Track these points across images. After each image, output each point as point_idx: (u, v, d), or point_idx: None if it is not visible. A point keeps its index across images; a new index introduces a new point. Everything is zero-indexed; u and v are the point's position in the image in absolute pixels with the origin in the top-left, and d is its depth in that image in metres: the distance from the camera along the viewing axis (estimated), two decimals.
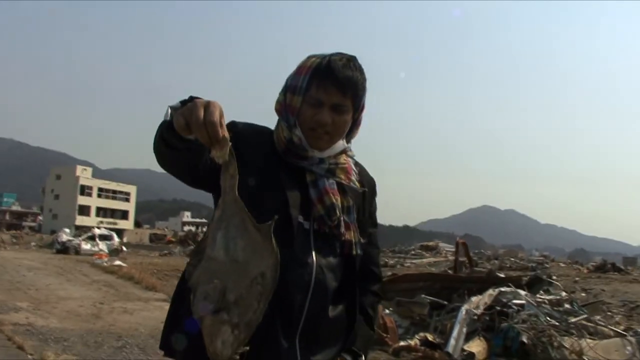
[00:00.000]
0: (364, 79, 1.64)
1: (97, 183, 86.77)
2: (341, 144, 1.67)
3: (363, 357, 1.70)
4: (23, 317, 9.64)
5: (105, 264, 24.12)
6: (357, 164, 1.79)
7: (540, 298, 9.99)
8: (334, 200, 1.61)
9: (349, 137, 1.72)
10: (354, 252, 1.65)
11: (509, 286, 10.02)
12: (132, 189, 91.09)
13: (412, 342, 8.51)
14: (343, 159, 1.70)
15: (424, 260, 50.73)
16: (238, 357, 1.12)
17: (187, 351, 1.50)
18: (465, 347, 7.96)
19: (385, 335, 8.81)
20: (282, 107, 1.65)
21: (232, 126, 1.63)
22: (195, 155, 1.29)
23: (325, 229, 1.60)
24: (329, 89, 1.57)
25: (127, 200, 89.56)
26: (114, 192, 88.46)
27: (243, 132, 1.62)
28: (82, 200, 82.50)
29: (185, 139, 1.25)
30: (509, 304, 9.17)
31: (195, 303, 1.14)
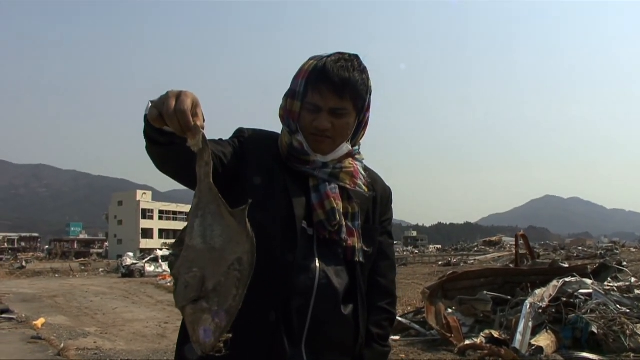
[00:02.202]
0: (365, 78, 1.58)
1: (157, 206, 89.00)
2: (345, 147, 1.62)
3: None
4: (91, 342, 9.93)
5: (168, 284, 24.64)
6: (367, 169, 1.72)
7: (609, 286, 9.62)
8: (335, 205, 1.55)
9: (355, 139, 1.66)
10: (356, 259, 1.59)
11: (573, 276, 9.69)
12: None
13: (477, 340, 8.33)
14: (348, 162, 1.64)
15: (488, 256, 49.93)
16: (222, 344, 1.09)
17: None
18: (533, 342, 7.74)
19: (449, 335, 8.65)
20: (284, 112, 1.62)
21: (239, 133, 1.62)
22: (183, 155, 1.24)
23: (326, 234, 1.55)
24: (324, 93, 1.52)
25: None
26: (174, 213, 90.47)
27: (249, 139, 1.60)
28: (145, 223, 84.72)
29: (164, 132, 1.24)
30: (576, 294, 8.87)
31: (177, 293, 1.13)
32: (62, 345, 8.74)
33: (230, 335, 1.09)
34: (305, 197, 1.56)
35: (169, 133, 1.22)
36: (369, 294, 1.66)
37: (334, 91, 1.52)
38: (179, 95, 1.15)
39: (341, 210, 1.57)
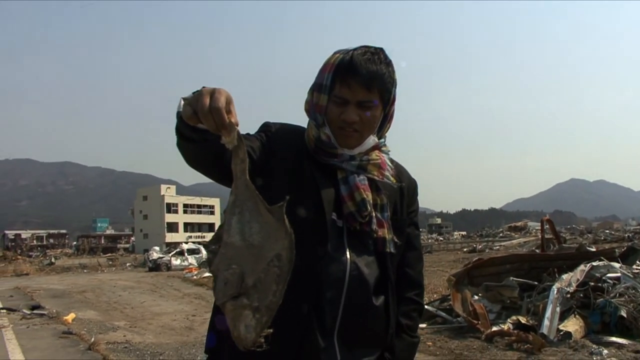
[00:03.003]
0: (392, 71, 1.58)
1: (181, 200, 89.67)
2: (372, 139, 1.62)
3: None
4: (121, 336, 10.07)
5: (195, 277, 24.89)
6: (392, 161, 1.72)
7: (637, 269, 9.48)
8: (365, 196, 1.56)
9: (381, 132, 1.66)
10: (387, 250, 1.60)
11: (601, 260, 9.58)
12: (215, 202, 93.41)
13: (504, 327, 8.30)
14: (375, 154, 1.64)
15: (513, 241, 49.58)
16: (262, 340, 1.11)
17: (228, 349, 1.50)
18: (561, 327, 7.71)
19: (476, 321, 8.62)
20: (310, 106, 1.62)
21: (266, 127, 1.62)
22: (214, 148, 1.26)
23: (356, 225, 1.56)
24: (353, 86, 1.52)
25: (212, 213, 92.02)
26: (199, 206, 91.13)
27: (276, 133, 1.60)
28: (170, 217, 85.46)
29: (197, 129, 1.24)
30: (603, 278, 8.78)
31: (216, 290, 1.14)
32: (93, 339, 8.88)
33: (271, 331, 1.11)
34: (333, 189, 1.56)
35: (202, 130, 1.23)
36: (398, 284, 1.67)
37: (361, 84, 1.52)
38: (213, 93, 1.15)
39: (371, 202, 1.57)
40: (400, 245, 1.65)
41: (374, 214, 1.57)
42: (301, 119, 1.72)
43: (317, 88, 1.58)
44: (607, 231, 54.32)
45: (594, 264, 9.34)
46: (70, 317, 12.11)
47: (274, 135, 1.58)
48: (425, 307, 10.03)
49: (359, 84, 1.51)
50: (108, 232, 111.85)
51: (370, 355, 1.59)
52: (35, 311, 13.33)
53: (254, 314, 1.09)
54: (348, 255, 1.54)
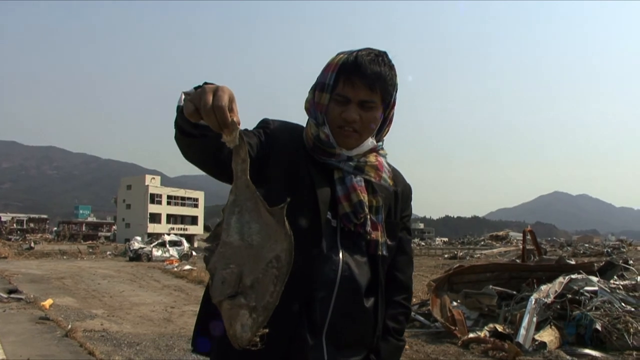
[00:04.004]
0: (394, 75, 1.59)
1: (166, 191, 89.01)
2: (370, 142, 1.62)
3: None
4: (98, 324, 10.03)
5: (175, 269, 24.79)
6: (390, 165, 1.73)
7: (614, 284, 9.63)
8: (361, 198, 1.57)
9: (379, 135, 1.67)
10: (379, 252, 1.60)
11: (579, 273, 9.71)
12: (200, 195, 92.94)
13: (481, 334, 8.38)
14: (373, 157, 1.65)
15: (494, 250, 49.88)
16: (258, 339, 1.12)
17: (218, 350, 1.53)
18: (537, 337, 7.80)
19: (453, 327, 8.69)
20: (311, 105, 1.63)
21: (264, 124, 1.63)
22: (213, 144, 1.27)
23: (350, 226, 1.56)
24: (356, 85, 1.53)
25: (196, 206, 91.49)
26: (183, 198, 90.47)
27: (275, 130, 1.60)
28: (153, 208, 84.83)
29: (198, 125, 1.25)
30: (581, 291, 8.90)
31: (213, 288, 1.15)
32: (70, 326, 8.83)
33: (267, 330, 1.12)
34: (329, 189, 1.57)
35: (203, 126, 1.23)
36: (387, 288, 1.69)
37: (365, 83, 1.53)
38: (216, 91, 1.15)
39: (367, 204, 1.58)
40: (392, 248, 1.67)
41: (369, 216, 1.58)
42: (296, 119, 1.73)
43: (319, 87, 1.59)
44: (587, 245, 54.77)
45: (573, 276, 9.46)
46: (47, 302, 12.03)
47: (272, 132, 1.58)
48: None
49: (362, 83, 1.53)
50: (90, 219, 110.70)
51: (356, 356, 1.60)
52: (12, 295, 13.22)
53: (250, 313, 1.10)
54: (341, 256, 1.55)
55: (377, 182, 1.63)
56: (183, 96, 1.24)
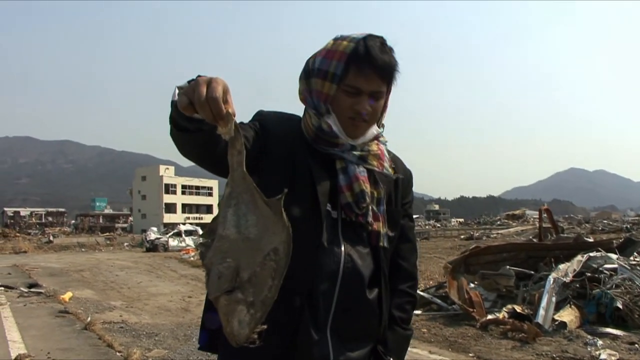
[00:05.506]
0: (397, 62, 1.56)
1: (180, 181, 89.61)
2: (374, 129, 1.60)
3: None
4: (117, 315, 10.10)
5: (192, 258, 24.93)
6: (390, 152, 1.70)
7: (635, 261, 9.50)
8: (364, 187, 1.54)
9: (378, 121, 1.64)
10: (381, 244, 1.58)
11: (598, 251, 9.60)
12: (214, 184, 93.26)
13: (499, 315, 8.33)
14: (375, 145, 1.62)
15: (511, 229, 49.76)
16: (256, 336, 1.09)
17: (225, 346, 1.50)
18: (556, 317, 7.74)
19: (471, 309, 8.65)
20: (307, 93, 1.58)
21: (260, 116, 1.59)
22: (209, 138, 1.23)
23: (352, 217, 1.54)
24: (370, 76, 1.49)
25: (210, 194, 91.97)
26: (197, 187, 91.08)
27: (271, 122, 1.57)
28: (168, 198, 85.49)
29: (193, 119, 1.21)
30: (600, 269, 8.81)
31: (209, 283, 1.12)
32: (89, 319, 8.88)
33: (265, 327, 1.09)
34: (329, 180, 1.54)
35: (198, 120, 1.20)
36: (391, 277, 1.66)
37: (378, 75, 1.50)
38: (209, 82, 1.12)
39: (369, 194, 1.55)
40: (394, 238, 1.64)
41: (371, 207, 1.56)
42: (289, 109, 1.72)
43: (320, 75, 1.53)
44: (605, 221, 54.46)
45: (591, 254, 9.36)
46: (67, 296, 12.13)
47: (268, 124, 1.55)
48: (421, 293, 10.07)
49: (376, 74, 1.49)
50: (106, 211, 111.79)
51: (362, 348, 1.57)
52: (32, 289, 13.35)
53: (248, 309, 1.07)
54: (343, 248, 1.52)
55: (379, 172, 1.60)
56: (177, 91, 1.20)
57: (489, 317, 8.33)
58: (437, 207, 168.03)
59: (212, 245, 1.13)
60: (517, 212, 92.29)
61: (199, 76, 1.17)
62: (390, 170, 1.63)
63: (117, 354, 6.74)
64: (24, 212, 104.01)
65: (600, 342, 6.85)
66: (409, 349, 1.75)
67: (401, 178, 1.70)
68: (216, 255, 1.12)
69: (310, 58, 1.59)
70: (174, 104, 1.22)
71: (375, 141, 1.62)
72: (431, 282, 12.64)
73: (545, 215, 13.96)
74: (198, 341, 1.63)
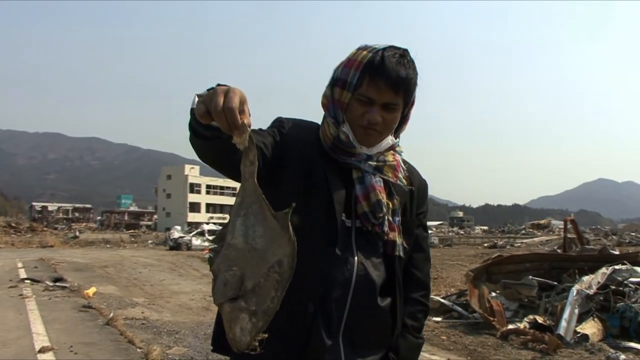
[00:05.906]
0: (416, 75, 1.57)
1: (204, 180, 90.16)
2: (389, 140, 1.61)
3: None
4: (139, 312, 10.21)
5: None
6: (405, 162, 1.71)
7: None
8: (380, 197, 1.56)
9: (397, 132, 1.65)
10: (397, 253, 1.60)
11: (624, 264, 9.44)
12: (238, 184, 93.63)
13: (520, 325, 8.25)
14: (391, 155, 1.64)
15: (535, 239, 49.15)
16: (257, 343, 1.10)
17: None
18: (578, 329, 7.63)
19: (492, 318, 8.58)
20: (329, 101, 1.60)
21: (279, 122, 1.61)
22: (226, 145, 1.24)
23: (369, 226, 1.55)
24: (381, 88, 1.51)
25: (235, 195, 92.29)
26: (222, 187, 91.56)
27: (289, 129, 1.58)
28: (192, 197, 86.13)
29: (210, 127, 1.23)
30: (625, 282, 8.66)
31: (215, 290, 1.14)
32: (111, 314, 9.00)
33: (266, 335, 1.10)
34: (344, 189, 1.55)
35: (215, 128, 1.21)
36: (405, 285, 1.67)
37: (390, 87, 1.51)
38: (227, 92, 1.14)
39: (385, 204, 1.57)
40: (408, 248, 1.65)
41: (387, 217, 1.57)
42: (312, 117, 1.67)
43: (340, 84, 1.55)
44: (633, 234, 53.47)
45: (616, 267, 9.22)
46: (91, 291, 12.29)
47: (287, 131, 1.57)
48: (442, 301, 10.02)
49: (388, 86, 1.50)
50: (132, 208, 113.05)
51: (374, 355, 1.59)
52: (57, 283, 13.55)
53: (250, 317, 1.09)
54: (356, 256, 1.54)
55: (393, 182, 1.61)
56: (196, 99, 1.22)
57: (510, 326, 8.25)
58: (461, 214, 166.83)
59: (221, 251, 1.15)
60: (542, 221, 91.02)
61: (218, 85, 1.20)
62: (404, 181, 1.64)
63: (138, 350, 6.81)
64: (52, 207, 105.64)
65: (622, 357, 6.75)
66: (429, 356, 1.76)
67: (416, 188, 1.71)
68: (223, 262, 1.14)
69: (337, 66, 1.61)
70: (192, 111, 1.24)
71: (392, 151, 1.64)
72: (452, 290, 12.57)
73: (570, 225, 13.79)
74: (211, 343, 1.65)
